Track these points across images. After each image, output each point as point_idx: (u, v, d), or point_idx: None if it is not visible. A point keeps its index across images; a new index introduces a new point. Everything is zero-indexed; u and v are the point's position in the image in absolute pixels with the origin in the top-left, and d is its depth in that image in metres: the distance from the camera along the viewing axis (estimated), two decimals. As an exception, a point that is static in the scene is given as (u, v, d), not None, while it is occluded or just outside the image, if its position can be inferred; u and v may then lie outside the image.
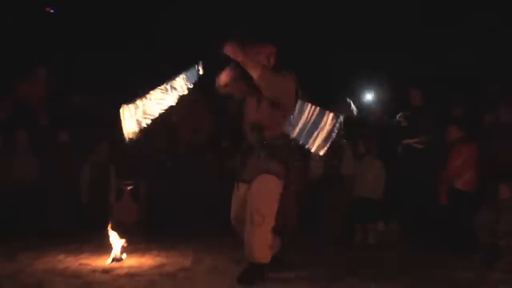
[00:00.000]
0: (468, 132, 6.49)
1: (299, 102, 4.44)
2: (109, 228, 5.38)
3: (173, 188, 7.50)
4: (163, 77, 4.50)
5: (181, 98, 4.50)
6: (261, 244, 4.34)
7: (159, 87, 4.43)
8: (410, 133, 6.93)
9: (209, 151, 7.66)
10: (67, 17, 9.31)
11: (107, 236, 5.36)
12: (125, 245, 5.32)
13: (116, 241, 5.28)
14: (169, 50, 8.55)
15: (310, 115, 4.48)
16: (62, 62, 8.57)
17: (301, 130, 4.47)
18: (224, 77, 4.55)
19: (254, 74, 4.26)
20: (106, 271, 4.77)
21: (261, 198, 4.33)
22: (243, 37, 4.42)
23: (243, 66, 4.30)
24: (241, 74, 4.42)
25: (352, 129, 7.27)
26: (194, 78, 4.46)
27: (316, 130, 4.47)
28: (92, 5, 8.99)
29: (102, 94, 8.20)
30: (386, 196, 6.93)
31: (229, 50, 4.26)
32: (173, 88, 4.43)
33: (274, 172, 4.39)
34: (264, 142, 4.44)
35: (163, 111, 4.48)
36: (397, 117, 7.10)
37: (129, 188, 7.31)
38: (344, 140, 7.12)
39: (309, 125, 4.47)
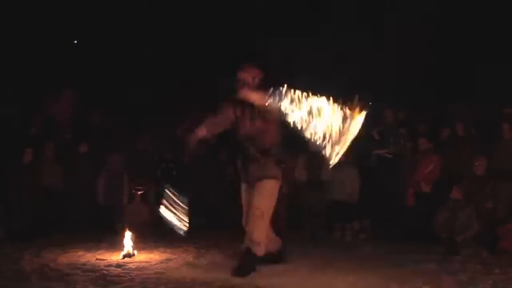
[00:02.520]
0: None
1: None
2: (122, 227, 5.33)
3: (178, 192, 7.46)
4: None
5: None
6: (260, 233, 4.37)
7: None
8: (381, 145, 6.96)
9: (210, 161, 7.64)
10: (90, 48, 9.33)
11: (120, 235, 5.32)
12: (136, 242, 5.28)
13: (128, 239, 5.23)
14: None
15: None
16: (85, 85, 8.55)
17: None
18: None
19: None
20: (119, 265, 4.71)
21: (262, 198, 4.41)
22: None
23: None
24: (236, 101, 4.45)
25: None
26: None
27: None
28: (110, 37, 9.03)
29: (118, 113, 8.21)
30: (361, 199, 6.92)
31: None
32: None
33: (274, 176, 4.47)
34: (262, 151, 4.45)
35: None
36: (372, 132, 7.13)
37: (139, 192, 7.26)
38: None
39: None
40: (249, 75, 4.46)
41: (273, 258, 4.65)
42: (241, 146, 4.62)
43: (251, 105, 4.40)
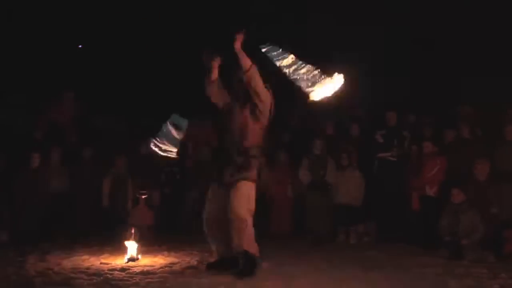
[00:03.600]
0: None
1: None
2: (126, 231, 5.32)
3: (181, 196, 7.47)
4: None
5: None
6: (250, 243, 4.31)
7: None
8: (385, 148, 6.93)
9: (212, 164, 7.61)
10: (94, 52, 9.34)
11: (125, 239, 5.30)
12: (140, 246, 5.27)
13: (132, 243, 5.21)
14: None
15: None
16: (89, 89, 8.56)
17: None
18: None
19: (247, 64, 4.25)
20: (123, 269, 4.70)
21: (241, 204, 4.26)
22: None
23: (238, 55, 4.25)
24: (227, 81, 4.42)
25: (336, 144, 7.27)
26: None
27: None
28: (115, 42, 9.05)
29: (121, 117, 8.22)
30: (365, 201, 6.89)
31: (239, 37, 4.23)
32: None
33: (251, 179, 4.34)
34: (242, 150, 4.33)
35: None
36: (375, 135, 7.10)
37: (144, 196, 7.24)
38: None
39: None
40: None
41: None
42: (219, 143, 4.49)
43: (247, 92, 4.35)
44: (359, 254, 5.70)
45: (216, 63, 4.47)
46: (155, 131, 8.07)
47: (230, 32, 4.26)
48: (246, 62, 4.28)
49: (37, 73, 8.57)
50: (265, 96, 4.39)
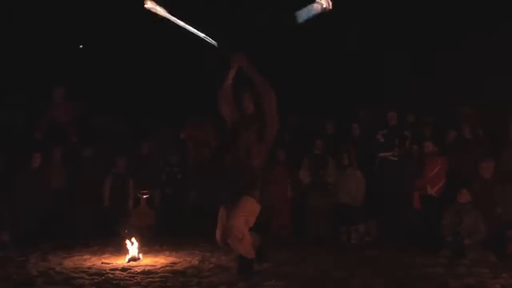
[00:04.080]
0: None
1: None
2: (127, 231, 5.32)
3: (182, 196, 7.47)
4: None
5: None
6: (246, 250, 4.28)
7: None
8: (386, 147, 6.93)
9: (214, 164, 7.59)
10: (94, 53, 9.32)
11: (126, 239, 5.30)
12: (141, 246, 5.26)
13: (134, 243, 5.21)
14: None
15: None
16: (90, 89, 8.54)
17: None
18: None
19: (259, 79, 4.30)
20: (125, 269, 4.70)
21: (241, 215, 4.20)
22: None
23: (248, 72, 4.31)
24: (237, 99, 4.42)
25: (337, 145, 7.26)
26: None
27: None
28: (115, 42, 9.03)
29: (122, 117, 8.20)
30: (366, 201, 6.88)
31: (239, 58, 4.29)
32: None
33: (254, 196, 4.30)
34: (245, 169, 4.30)
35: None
36: (376, 135, 7.09)
37: (145, 196, 7.25)
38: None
39: None
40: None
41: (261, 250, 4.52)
42: (224, 162, 4.40)
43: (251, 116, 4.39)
44: (360, 254, 5.69)
45: (236, 64, 4.45)
46: (155, 131, 8.10)
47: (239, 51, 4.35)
48: (258, 77, 4.35)
49: (37, 73, 8.55)
50: (274, 115, 4.37)
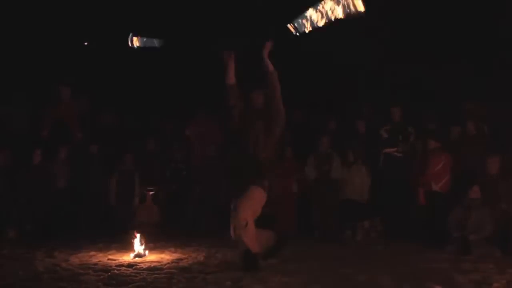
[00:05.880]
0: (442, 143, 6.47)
1: None
2: (133, 228, 5.32)
3: (188, 193, 7.47)
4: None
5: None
6: (250, 239, 4.33)
7: None
8: (391, 143, 6.90)
9: (219, 161, 7.62)
10: (99, 50, 9.32)
11: (132, 235, 5.31)
12: (147, 243, 5.27)
13: (139, 239, 5.22)
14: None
15: None
16: (95, 86, 8.54)
17: None
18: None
19: (272, 67, 4.42)
20: (130, 265, 4.70)
21: (248, 204, 4.32)
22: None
23: (264, 61, 4.42)
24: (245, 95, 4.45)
25: (343, 141, 7.25)
26: None
27: None
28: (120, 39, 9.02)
29: (127, 114, 8.21)
30: (371, 198, 6.86)
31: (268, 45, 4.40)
32: None
33: (262, 186, 4.41)
34: (257, 160, 4.39)
35: None
36: (380, 131, 7.07)
37: (151, 193, 7.25)
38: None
39: None
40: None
41: (274, 249, 4.60)
42: (234, 156, 4.54)
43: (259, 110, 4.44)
44: (366, 250, 5.69)
45: (231, 61, 4.52)
46: (161, 129, 8.10)
47: (259, 39, 4.43)
48: (271, 66, 4.45)
49: (41, 71, 8.55)
50: (281, 108, 4.45)
